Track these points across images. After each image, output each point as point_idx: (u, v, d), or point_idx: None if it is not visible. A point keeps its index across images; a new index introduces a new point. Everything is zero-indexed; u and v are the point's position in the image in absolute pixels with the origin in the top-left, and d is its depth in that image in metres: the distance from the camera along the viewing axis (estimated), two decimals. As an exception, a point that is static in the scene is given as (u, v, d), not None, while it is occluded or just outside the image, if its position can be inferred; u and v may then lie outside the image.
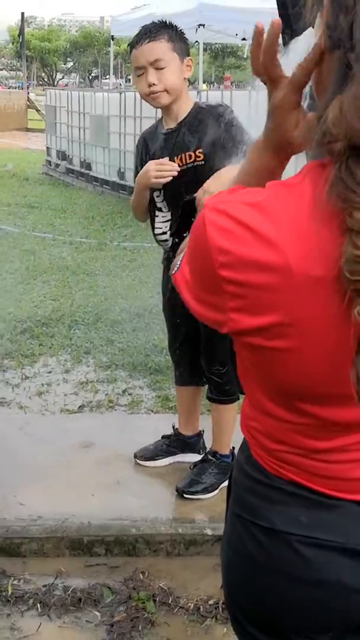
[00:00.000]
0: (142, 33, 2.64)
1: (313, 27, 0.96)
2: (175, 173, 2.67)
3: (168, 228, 2.85)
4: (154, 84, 2.61)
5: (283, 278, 0.88)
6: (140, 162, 2.87)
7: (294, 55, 1.02)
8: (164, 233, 2.85)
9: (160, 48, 2.59)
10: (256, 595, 1.11)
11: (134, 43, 2.65)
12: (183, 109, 2.70)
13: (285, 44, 1.11)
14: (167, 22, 2.69)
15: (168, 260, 2.94)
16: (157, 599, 2.49)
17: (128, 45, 2.73)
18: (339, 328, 0.89)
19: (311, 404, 0.98)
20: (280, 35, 1.01)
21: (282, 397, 1.00)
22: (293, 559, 1.05)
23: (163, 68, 2.59)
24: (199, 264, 0.96)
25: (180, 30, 2.69)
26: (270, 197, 0.91)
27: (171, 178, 2.69)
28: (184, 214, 2.74)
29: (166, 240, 2.86)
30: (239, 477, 1.16)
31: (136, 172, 2.87)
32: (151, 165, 2.71)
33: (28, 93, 31.43)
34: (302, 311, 0.89)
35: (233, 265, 0.90)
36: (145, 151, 2.87)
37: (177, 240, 2.81)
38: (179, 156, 2.70)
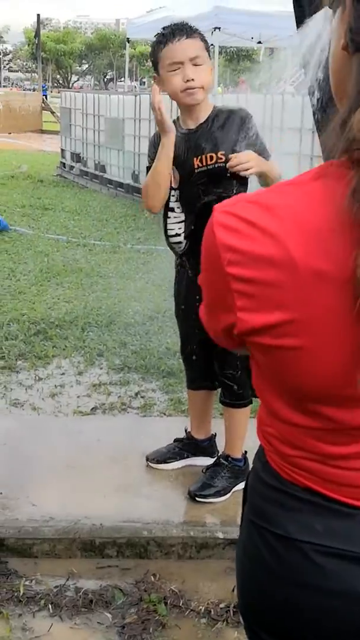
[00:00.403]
0: (175, 29, 2.61)
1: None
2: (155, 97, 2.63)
3: (182, 230, 2.85)
4: (192, 80, 2.61)
5: (288, 273, 0.89)
6: (151, 158, 2.86)
7: (305, 40, 1.03)
8: (177, 235, 2.86)
9: (198, 45, 2.62)
10: (270, 604, 1.11)
11: (168, 38, 2.61)
12: (204, 111, 2.71)
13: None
14: (189, 24, 2.70)
15: (181, 265, 2.94)
16: (168, 602, 2.49)
17: (154, 43, 2.69)
18: (347, 327, 0.89)
19: (325, 407, 0.97)
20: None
21: (296, 399, 1.00)
22: (307, 568, 1.04)
23: (201, 65, 2.61)
24: (209, 267, 0.99)
25: (201, 33, 2.71)
26: (273, 195, 0.94)
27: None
28: (201, 216, 2.74)
29: (179, 243, 2.86)
30: (255, 483, 1.15)
31: (149, 168, 2.86)
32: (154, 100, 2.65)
33: (45, 96, 31.51)
34: (308, 307, 0.90)
35: (240, 262, 0.92)
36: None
37: (191, 243, 2.81)
38: (199, 157, 2.70)
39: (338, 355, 0.92)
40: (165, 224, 2.88)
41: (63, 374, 4.28)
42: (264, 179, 2.70)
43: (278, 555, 1.07)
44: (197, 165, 2.71)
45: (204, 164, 2.70)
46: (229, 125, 2.67)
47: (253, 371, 1.08)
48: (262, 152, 2.70)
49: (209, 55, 2.71)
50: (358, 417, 0.97)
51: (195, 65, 2.61)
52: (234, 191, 2.70)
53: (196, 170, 2.72)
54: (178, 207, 2.84)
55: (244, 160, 2.60)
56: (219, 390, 3.02)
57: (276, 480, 1.09)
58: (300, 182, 0.93)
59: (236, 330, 0.97)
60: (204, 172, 2.71)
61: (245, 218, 0.93)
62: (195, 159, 2.71)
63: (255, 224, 0.91)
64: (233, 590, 2.52)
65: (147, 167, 2.86)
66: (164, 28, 2.67)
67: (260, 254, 0.91)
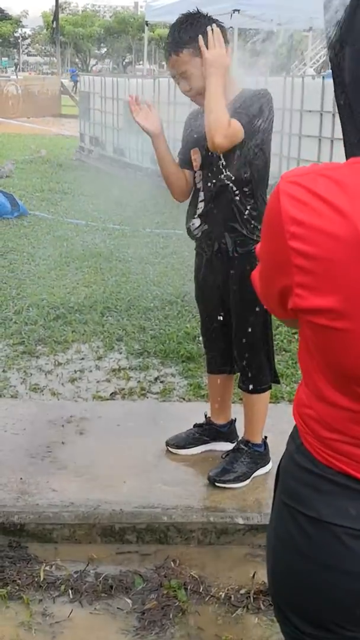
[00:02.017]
0: (169, 40, 2.69)
1: None
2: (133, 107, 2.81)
3: (200, 210, 2.84)
4: (187, 90, 2.71)
5: (353, 252, 0.87)
6: (184, 142, 2.92)
7: (328, 12, 1.00)
8: (194, 215, 2.87)
9: (182, 61, 2.66)
10: (300, 585, 1.11)
11: (165, 52, 2.72)
12: (229, 93, 2.66)
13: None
14: (194, 15, 2.67)
15: (200, 247, 2.91)
16: (188, 588, 2.49)
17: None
18: None
19: None
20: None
21: (343, 380, 0.98)
22: (339, 551, 1.04)
23: (190, 76, 2.67)
24: (270, 237, 0.97)
25: (212, 21, 2.64)
26: (347, 171, 0.91)
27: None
28: (216, 197, 2.74)
29: (193, 223, 2.87)
30: (289, 465, 1.15)
31: (181, 150, 2.92)
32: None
33: (76, 82, 31.25)
34: None
35: (304, 236, 0.90)
36: (189, 130, 2.88)
37: (203, 223, 2.81)
38: None
39: None
40: (191, 206, 2.89)
41: (82, 359, 4.27)
42: (205, 103, 2.61)
43: (309, 537, 1.07)
44: None
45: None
46: (251, 106, 2.63)
47: (301, 349, 1.07)
48: (235, 110, 2.60)
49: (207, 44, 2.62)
50: None
51: (186, 78, 2.68)
52: (253, 183, 2.67)
53: (210, 153, 2.70)
54: (200, 189, 2.82)
55: (211, 49, 2.56)
56: (239, 375, 3.00)
57: (311, 463, 1.08)
58: None
59: (291, 305, 0.96)
60: (218, 156, 2.68)
61: (314, 191, 0.90)
62: None
63: (324, 198, 0.89)
64: (253, 576, 2.51)
65: (178, 153, 2.95)
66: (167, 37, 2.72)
67: (327, 230, 0.88)
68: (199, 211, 2.85)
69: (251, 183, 2.70)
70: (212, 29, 2.58)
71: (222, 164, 2.71)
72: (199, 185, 2.84)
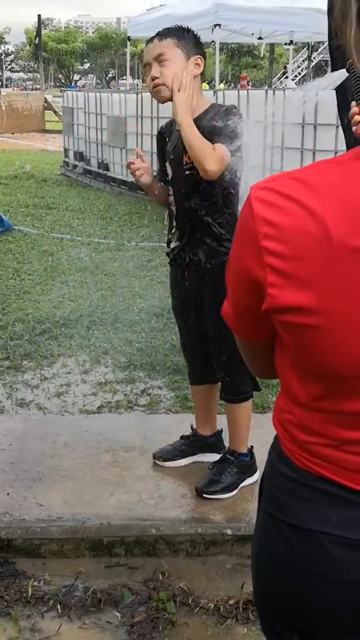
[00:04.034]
0: (153, 35, 2.71)
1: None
2: (139, 173, 2.84)
3: (174, 224, 2.88)
4: (155, 77, 2.65)
5: (324, 250, 0.90)
6: (159, 157, 2.94)
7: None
8: (170, 229, 2.91)
9: (164, 45, 2.64)
10: (284, 594, 1.11)
11: (146, 44, 2.73)
12: (197, 108, 2.69)
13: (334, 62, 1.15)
14: (181, 25, 2.72)
15: (174, 260, 2.93)
16: (177, 600, 2.48)
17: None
18: None
19: (349, 389, 0.97)
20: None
21: (319, 381, 1.00)
22: (321, 558, 1.04)
23: (165, 61, 2.63)
24: (243, 240, 0.98)
25: (194, 31, 2.70)
26: (314, 172, 0.94)
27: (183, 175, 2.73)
28: (186, 218, 2.76)
29: (169, 237, 2.90)
30: (270, 474, 1.16)
31: (158, 166, 2.94)
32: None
33: (79, 88, 31.07)
34: (341, 286, 0.91)
35: (276, 236, 0.93)
36: (163, 146, 2.90)
37: (178, 242, 2.83)
38: (187, 154, 2.69)
39: None
40: (168, 220, 2.93)
41: (69, 373, 4.27)
42: (185, 141, 2.60)
43: (292, 545, 1.08)
44: (186, 161, 2.71)
45: (192, 160, 2.69)
46: (220, 122, 2.65)
47: (277, 354, 1.08)
48: (213, 136, 2.60)
49: (193, 52, 2.66)
50: None
51: (161, 62, 2.64)
52: (219, 197, 2.69)
53: (184, 167, 2.72)
54: (172, 203, 2.85)
55: (181, 82, 2.58)
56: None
57: (291, 470, 1.09)
58: (341, 161, 0.94)
59: (265, 306, 0.97)
60: (192, 170, 2.70)
61: (284, 193, 0.93)
62: (184, 155, 2.71)
63: (294, 199, 0.92)
64: (242, 586, 2.51)
65: (157, 169, 2.98)
66: None
67: (298, 229, 0.91)
68: (173, 227, 2.88)
69: (220, 198, 2.71)
70: (184, 72, 2.59)
71: (190, 183, 2.72)
72: (170, 199, 2.86)
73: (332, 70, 1.20)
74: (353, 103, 1.15)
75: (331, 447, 1.02)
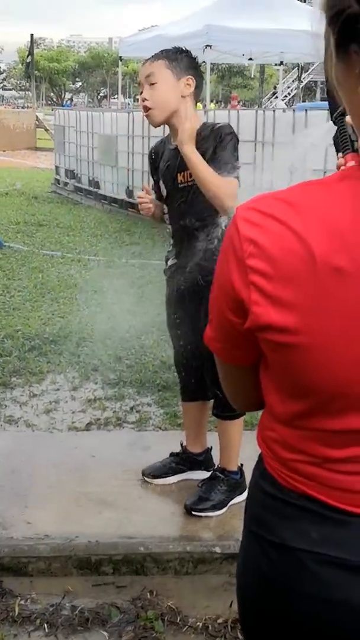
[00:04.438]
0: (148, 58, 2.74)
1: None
2: (147, 208, 2.84)
3: (171, 243, 2.89)
4: (145, 99, 2.68)
5: (307, 268, 0.91)
6: (153, 176, 2.95)
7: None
8: (169, 246, 2.92)
9: (154, 66, 2.67)
10: (268, 613, 1.11)
11: (142, 65, 2.76)
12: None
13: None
14: (179, 47, 2.75)
15: (171, 277, 2.94)
16: (166, 618, 2.46)
17: None
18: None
19: (331, 407, 0.98)
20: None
21: (303, 399, 1.00)
22: (304, 576, 1.04)
23: (154, 83, 2.66)
24: (229, 260, 0.99)
25: (189, 52, 2.73)
26: (299, 192, 0.96)
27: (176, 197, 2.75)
28: (183, 237, 2.78)
29: (167, 257, 2.91)
30: (254, 492, 1.16)
31: (154, 186, 2.95)
32: (137, 199, 2.85)
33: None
34: (324, 305, 0.91)
35: (261, 255, 0.94)
36: (155, 165, 2.91)
37: (176, 260, 2.84)
38: (182, 173, 2.71)
39: (350, 353, 0.93)
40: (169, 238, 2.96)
41: (58, 389, 4.25)
42: (194, 174, 2.60)
43: (275, 563, 1.07)
44: (180, 180, 2.73)
45: (186, 179, 2.71)
46: (211, 140, 2.67)
47: (260, 373, 1.08)
48: (219, 165, 2.60)
49: (184, 72, 2.67)
50: (358, 420, 0.97)
51: (151, 85, 2.66)
52: (214, 216, 2.70)
53: (179, 186, 2.74)
54: (167, 221, 2.87)
55: (185, 122, 2.59)
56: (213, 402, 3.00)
57: (273, 488, 1.09)
58: (325, 182, 0.96)
59: (248, 324, 0.98)
60: (185, 188, 2.71)
61: (269, 213, 0.95)
62: (179, 174, 2.73)
63: (279, 219, 0.93)
64: (231, 605, 2.49)
65: (151, 186, 2.99)
66: None
67: (283, 248, 0.92)
68: (170, 246, 2.90)
69: (215, 216, 2.72)
70: (185, 106, 2.63)
71: (184, 202, 2.74)
72: (166, 217, 2.88)
73: (330, 111, 1.22)
74: (340, 154, 1.17)
75: (314, 465, 1.03)
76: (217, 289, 1.05)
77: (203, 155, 2.60)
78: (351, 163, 1.11)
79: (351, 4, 0.85)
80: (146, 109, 2.68)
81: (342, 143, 1.23)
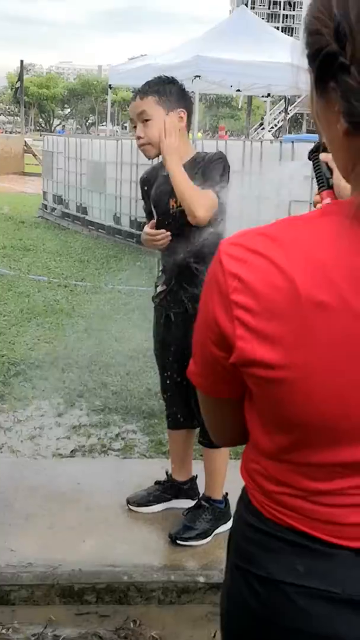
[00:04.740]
0: (138, 89, 2.78)
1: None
2: (167, 240, 2.76)
3: (161, 270, 2.90)
4: (139, 137, 2.74)
5: (291, 303, 0.91)
6: (146, 202, 2.98)
7: None
8: (158, 272, 2.94)
9: (145, 103, 2.71)
10: None
11: (131, 99, 2.80)
12: (183, 157, 2.74)
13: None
14: (166, 77, 2.78)
15: (159, 304, 2.96)
16: (149, 649, 2.44)
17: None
18: (347, 359, 0.91)
19: (315, 441, 0.98)
20: None
21: (287, 433, 1.00)
22: (290, 610, 1.03)
23: (148, 120, 2.71)
24: (213, 294, 0.99)
25: (177, 83, 2.77)
26: (281, 228, 0.97)
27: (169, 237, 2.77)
28: (174, 265, 2.80)
29: (156, 284, 2.92)
30: (238, 525, 1.15)
31: (146, 211, 2.99)
32: (146, 236, 2.81)
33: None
34: (307, 339, 0.92)
35: (245, 290, 0.95)
36: (147, 191, 2.94)
37: (164, 286, 2.86)
38: (175, 198, 2.74)
39: (336, 388, 0.93)
40: (158, 265, 2.97)
41: (42, 415, 4.24)
42: (175, 188, 2.65)
43: (260, 597, 1.06)
44: (172, 206, 2.76)
45: (178, 204, 2.74)
46: (205, 169, 2.72)
47: (245, 406, 1.08)
48: (202, 181, 2.66)
49: (175, 105, 2.72)
50: (343, 453, 0.97)
51: (144, 122, 2.72)
52: (205, 244, 2.73)
53: (171, 212, 2.77)
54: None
55: (169, 136, 2.63)
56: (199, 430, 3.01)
57: (258, 520, 1.08)
58: (307, 217, 0.97)
59: (233, 359, 0.98)
60: (177, 214, 2.75)
61: (252, 249, 0.95)
62: (171, 200, 2.76)
63: (262, 254, 0.94)
64: (214, 635, 2.48)
65: (144, 210, 3.03)
66: None
67: (267, 284, 0.93)
68: (159, 272, 2.92)
69: (206, 244, 2.75)
70: (166, 121, 2.66)
71: (175, 228, 2.76)
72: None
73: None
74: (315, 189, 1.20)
75: (299, 498, 1.02)
76: (200, 323, 1.05)
77: (197, 183, 2.65)
78: (327, 200, 1.14)
79: (330, 42, 0.87)
80: (141, 144, 2.74)
81: (317, 180, 1.26)
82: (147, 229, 2.82)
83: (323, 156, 1.29)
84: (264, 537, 1.07)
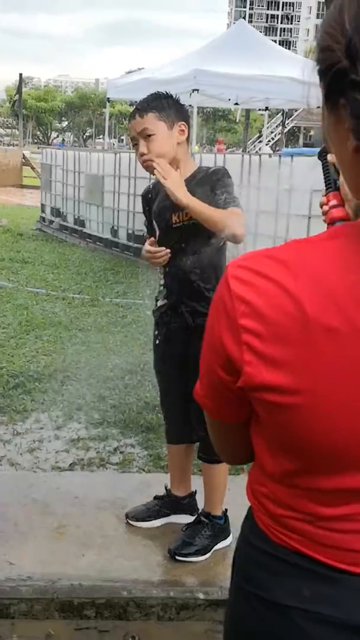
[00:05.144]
0: (135, 108, 2.78)
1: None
2: (167, 258, 2.76)
3: (162, 282, 2.91)
4: (143, 153, 2.73)
5: (300, 327, 0.90)
6: (147, 217, 2.98)
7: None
8: (160, 286, 2.95)
9: (146, 120, 2.71)
10: None
11: (129, 118, 2.79)
12: (184, 171, 2.77)
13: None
14: (161, 92, 2.79)
15: (161, 318, 2.96)
16: (148, 665, 2.43)
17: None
18: (355, 386, 0.91)
19: (325, 466, 0.97)
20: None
21: (295, 458, 0.99)
22: (293, 634, 1.02)
23: (151, 136, 2.70)
24: (220, 318, 0.98)
25: (175, 96, 2.79)
26: (289, 250, 0.95)
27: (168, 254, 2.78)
28: (175, 278, 2.81)
29: (158, 294, 2.93)
30: (243, 546, 1.14)
31: (146, 226, 3.00)
32: (146, 253, 2.80)
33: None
34: (317, 363, 0.91)
35: (253, 314, 0.93)
36: (149, 207, 2.95)
37: (165, 300, 2.87)
38: (177, 213, 2.76)
39: (345, 413, 0.92)
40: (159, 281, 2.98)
41: (42, 428, 4.23)
42: (199, 217, 2.64)
43: (265, 620, 1.05)
44: (175, 220, 2.77)
45: (180, 219, 2.75)
46: (205, 183, 2.73)
47: (251, 429, 1.07)
48: (222, 201, 2.68)
49: (176, 119, 2.73)
50: (351, 479, 0.97)
51: (147, 138, 2.71)
52: (207, 258, 2.74)
53: (173, 226, 2.78)
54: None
55: (166, 180, 2.61)
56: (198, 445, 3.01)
57: (264, 543, 1.07)
58: (316, 240, 0.96)
59: (241, 383, 0.97)
60: (179, 228, 2.76)
61: (260, 272, 0.94)
62: (173, 214, 2.77)
63: (270, 278, 0.93)
64: (214, 652, 2.47)
65: (145, 227, 3.04)
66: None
67: (275, 308, 0.92)
68: (161, 287, 2.92)
69: (208, 258, 2.77)
70: (158, 163, 2.64)
71: (177, 242, 2.78)
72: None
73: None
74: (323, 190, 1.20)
75: (306, 522, 1.01)
76: (207, 346, 1.04)
77: (202, 198, 2.66)
78: (333, 202, 1.14)
79: (341, 59, 0.85)
80: (145, 161, 2.73)
81: (325, 181, 1.26)
82: (147, 246, 2.82)
83: (331, 157, 1.29)
84: (270, 559, 1.06)
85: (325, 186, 1.24)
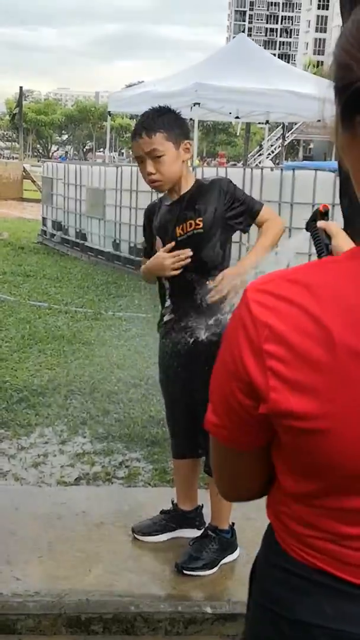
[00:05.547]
0: (139, 124, 2.76)
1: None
2: (189, 259, 2.76)
3: (167, 298, 2.92)
4: (152, 174, 2.74)
5: (326, 352, 0.89)
6: (146, 234, 2.99)
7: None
8: (164, 303, 2.95)
9: (155, 141, 2.70)
10: None
11: (133, 135, 2.79)
12: (185, 185, 2.81)
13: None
14: (164, 108, 2.80)
15: (166, 332, 2.96)
16: None
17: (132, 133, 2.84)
18: None
19: (350, 487, 0.96)
20: None
21: (318, 480, 0.98)
22: None
23: (160, 157, 2.71)
24: (241, 344, 0.96)
25: (178, 112, 2.81)
26: (310, 273, 0.94)
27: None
28: (181, 291, 2.82)
29: (164, 309, 2.94)
30: (263, 565, 1.14)
31: (144, 247, 3.01)
32: (167, 260, 2.78)
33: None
34: (344, 388, 0.90)
35: (278, 339, 0.92)
36: (150, 224, 2.96)
37: (172, 315, 2.88)
38: (181, 225, 2.78)
39: None
40: (160, 295, 2.98)
41: (46, 442, 4.24)
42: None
43: (287, 638, 1.05)
44: (179, 233, 2.79)
45: (185, 231, 2.77)
46: (209, 194, 2.77)
47: (273, 453, 1.06)
48: (251, 206, 2.80)
49: (182, 137, 2.75)
50: None
51: (155, 159, 2.72)
52: (212, 272, 2.76)
53: (178, 239, 2.79)
54: (164, 278, 2.89)
55: (223, 286, 2.69)
56: (204, 459, 3.01)
57: (286, 561, 1.07)
58: (335, 260, 0.96)
59: (264, 409, 0.95)
60: (184, 241, 2.78)
61: (283, 296, 0.92)
62: (177, 228, 2.79)
63: (293, 301, 0.91)
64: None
65: (142, 248, 3.07)
66: (139, 117, 2.81)
67: (300, 332, 0.90)
68: (167, 302, 2.93)
69: (213, 272, 2.78)
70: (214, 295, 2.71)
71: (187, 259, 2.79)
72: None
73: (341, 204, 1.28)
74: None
75: (330, 542, 1.01)
76: (224, 373, 1.00)
77: (207, 211, 2.73)
78: None
79: (359, 77, 0.85)
80: (153, 181, 2.74)
81: (316, 248, 1.28)
82: (162, 252, 2.80)
83: (321, 224, 1.31)
84: (292, 578, 1.05)
85: (318, 253, 1.27)
